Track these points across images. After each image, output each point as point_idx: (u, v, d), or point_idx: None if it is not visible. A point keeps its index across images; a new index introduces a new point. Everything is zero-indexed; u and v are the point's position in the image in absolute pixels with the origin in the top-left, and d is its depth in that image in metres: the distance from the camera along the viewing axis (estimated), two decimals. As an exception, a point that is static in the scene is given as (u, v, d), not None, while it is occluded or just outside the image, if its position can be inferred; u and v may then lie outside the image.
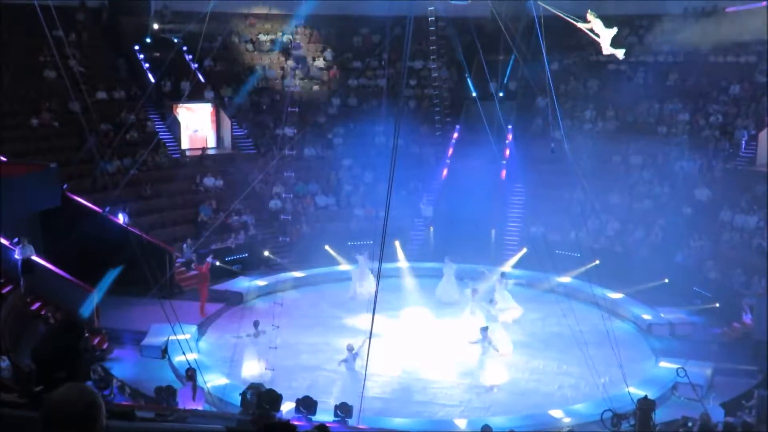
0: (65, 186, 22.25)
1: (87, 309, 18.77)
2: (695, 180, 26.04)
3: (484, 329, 17.40)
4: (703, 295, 21.71)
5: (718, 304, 20.84)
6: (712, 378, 17.02)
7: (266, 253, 25.52)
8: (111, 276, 19.24)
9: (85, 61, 27.95)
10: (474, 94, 28.05)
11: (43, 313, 18.08)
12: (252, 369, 17.00)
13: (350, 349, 16.67)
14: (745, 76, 28.68)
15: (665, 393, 16.34)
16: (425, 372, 17.50)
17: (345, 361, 16.66)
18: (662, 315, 20.77)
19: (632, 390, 14.47)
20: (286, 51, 33.41)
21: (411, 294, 22.80)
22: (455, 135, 31.16)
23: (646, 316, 20.79)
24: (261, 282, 23.30)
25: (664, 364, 17.73)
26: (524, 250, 25.24)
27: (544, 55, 15.82)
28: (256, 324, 17.34)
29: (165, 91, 30.04)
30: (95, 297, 19.08)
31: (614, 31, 13.55)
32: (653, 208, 25.93)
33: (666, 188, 26.38)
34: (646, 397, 13.26)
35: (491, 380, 17.10)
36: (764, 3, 26.86)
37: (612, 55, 14.22)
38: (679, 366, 15.44)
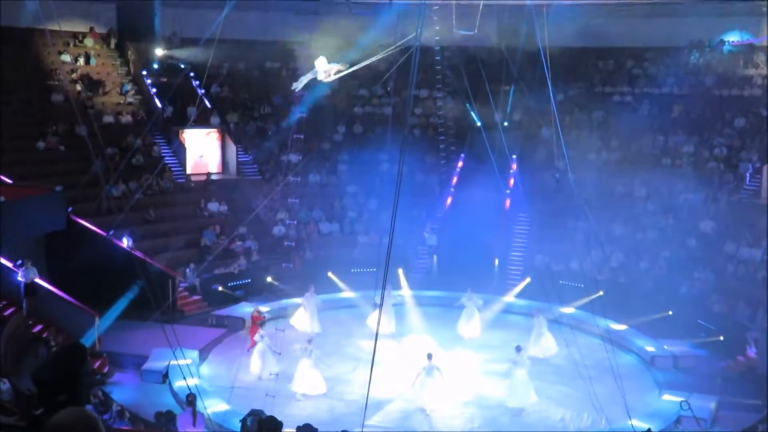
0: (70, 209, 22.31)
1: (92, 335, 18.77)
2: (700, 212, 26.02)
3: (519, 349, 17.51)
4: (708, 328, 21.58)
5: (722, 337, 20.72)
6: (716, 412, 16.88)
7: (269, 279, 25.49)
8: (122, 303, 19.32)
9: (92, 86, 28.15)
10: (479, 124, 28.18)
11: (44, 335, 18.06)
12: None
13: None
14: (749, 108, 28.78)
15: (668, 426, 16.20)
16: (426, 400, 17.36)
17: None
18: (666, 347, 20.65)
19: (635, 423, 14.37)
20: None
21: (414, 322, 22.73)
22: (460, 164, 31.24)
23: (650, 348, 20.67)
24: (263, 308, 23.22)
25: (667, 396, 17.61)
26: (528, 279, 25.21)
27: (549, 85, 15.90)
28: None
29: (171, 116, 30.21)
30: (101, 324, 19.11)
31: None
32: (657, 240, 25.89)
33: (670, 220, 26.35)
34: (649, 430, 13.18)
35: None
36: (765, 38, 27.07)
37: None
38: (683, 399, 15.35)
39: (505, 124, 29.70)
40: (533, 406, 17.43)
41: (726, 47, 30.65)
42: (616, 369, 15.43)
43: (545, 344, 20.19)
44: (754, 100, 28.82)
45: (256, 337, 19.09)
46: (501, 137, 22.71)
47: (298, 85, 16.58)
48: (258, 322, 20.42)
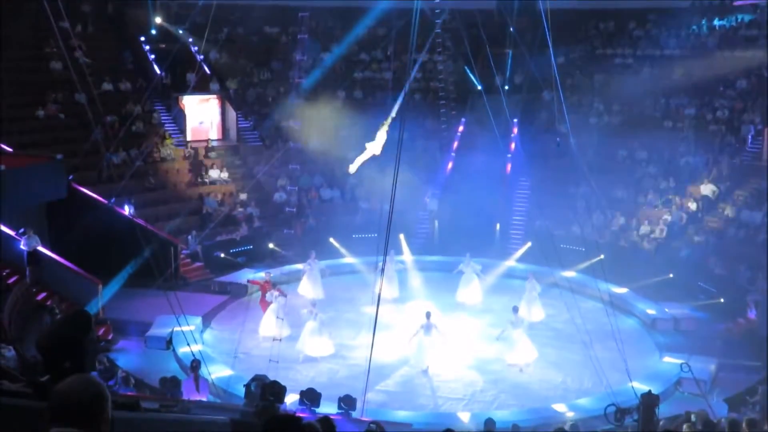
0: (71, 177, 22.27)
1: (95, 303, 18.88)
2: (701, 175, 25.98)
3: (516, 309, 17.88)
4: (708, 291, 21.66)
5: (722, 300, 20.82)
6: (716, 374, 17.02)
7: (271, 246, 25.56)
8: (125, 271, 19.39)
9: (91, 53, 27.96)
10: (479, 88, 28.00)
11: (48, 303, 18.15)
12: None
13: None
14: (752, 70, 28.56)
15: (669, 388, 16.35)
16: (429, 365, 17.49)
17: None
18: (667, 310, 20.76)
19: (636, 385, 14.46)
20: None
21: (416, 287, 22.83)
22: (460, 128, 31.11)
23: (651, 311, 20.78)
24: (265, 274, 23.29)
25: (668, 359, 17.75)
26: (529, 244, 25.24)
27: (550, 48, 15.78)
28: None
29: (171, 83, 30.04)
30: (105, 292, 19.20)
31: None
32: (658, 203, 25.87)
33: (672, 183, 26.31)
34: (649, 392, 13.26)
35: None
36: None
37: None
38: (683, 361, 15.43)
39: (506, 87, 29.51)
40: (534, 368, 17.59)
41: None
42: (617, 332, 15.51)
43: (533, 309, 20.31)
44: (757, 61, 28.57)
45: (268, 296, 19.16)
46: (502, 101, 22.55)
47: (354, 168, 18.71)
48: (267, 288, 20.49)
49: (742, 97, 28.22)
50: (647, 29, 32.02)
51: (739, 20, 30.54)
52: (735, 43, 29.55)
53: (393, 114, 16.26)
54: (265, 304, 19.53)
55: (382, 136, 16.55)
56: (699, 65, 28.97)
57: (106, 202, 22.43)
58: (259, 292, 20.36)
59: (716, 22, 30.91)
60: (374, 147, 16.80)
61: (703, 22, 30.94)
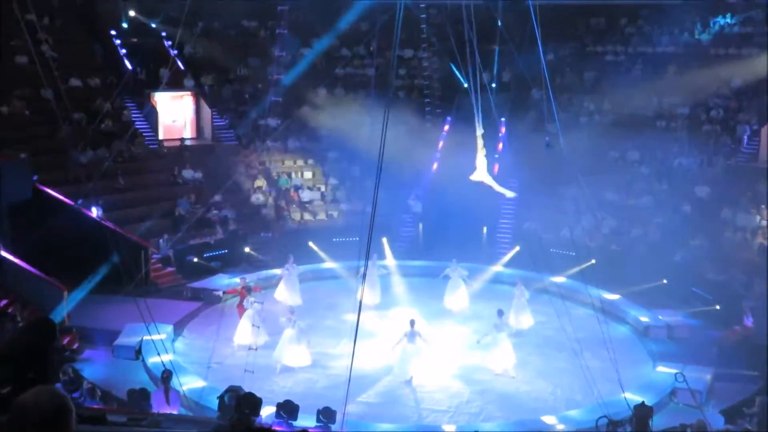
0: (36, 177, 22.07)
1: (60, 310, 18.68)
2: (695, 176, 26.16)
3: (501, 312, 17.97)
4: (703, 297, 21.77)
5: (718, 307, 20.90)
6: (711, 384, 17.06)
7: (247, 250, 25.45)
8: (92, 277, 19.20)
9: (59, 46, 27.76)
10: (465, 86, 28.04)
11: (9, 311, 17.95)
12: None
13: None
14: (747, 68, 28.78)
15: (663, 399, 16.36)
16: (413, 375, 17.46)
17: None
18: (660, 317, 20.84)
19: (628, 396, 14.49)
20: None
21: (399, 294, 22.81)
22: (446, 127, 31.15)
23: (644, 318, 20.85)
24: (240, 279, 23.16)
25: (661, 368, 17.78)
26: (517, 248, 25.32)
27: (539, 45, 15.82)
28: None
29: (142, 79, 29.88)
30: (72, 299, 19.01)
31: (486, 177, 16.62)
32: (651, 206, 26.02)
33: (665, 185, 26.47)
34: (643, 403, 13.32)
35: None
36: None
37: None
38: (678, 371, 15.51)
39: (494, 85, 29.57)
40: (522, 378, 17.61)
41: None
42: (608, 340, 15.55)
43: (521, 316, 20.36)
44: (753, 59, 28.81)
45: (246, 302, 19.08)
46: (490, 99, 22.59)
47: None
48: (244, 293, 20.42)
49: (738, 97, 28.46)
50: (639, 26, 32.22)
51: (734, 17, 30.79)
52: (730, 41, 29.77)
53: (480, 131, 16.23)
54: (242, 309, 19.44)
55: (481, 161, 16.57)
56: (693, 63, 29.20)
57: (72, 203, 22.23)
58: (238, 297, 20.23)
59: (711, 19, 31.14)
60: (480, 176, 16.81)
61: (697, 19, 31.16)
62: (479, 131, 16.18)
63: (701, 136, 27.55)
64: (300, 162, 30.64)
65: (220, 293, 22.07)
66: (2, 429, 2.99)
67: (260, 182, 28.45)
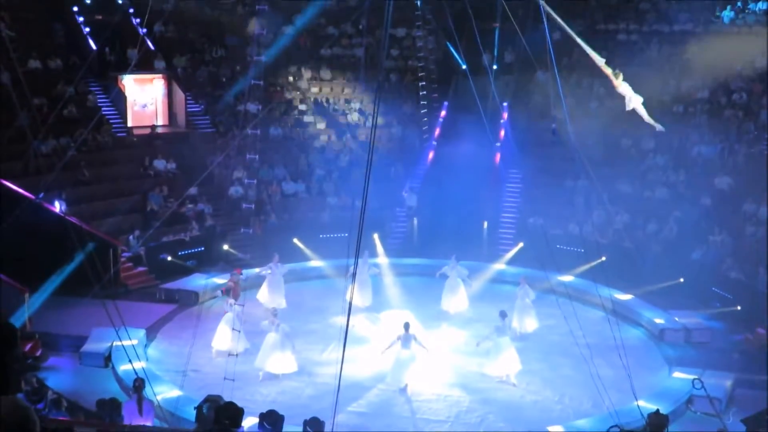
0: (-8, 169, 22.05)
1: (20, 312, 18.66)
2: (715, 166, 26.22)
3: (503, 314, 18.03)
4: (723, 297, 21.90)
5: (739, 308, 21.03)
6: (732, 390, 17.19)
7: (225, 247, 25.46)
8: (57, 279, 19.18)
9: (16, 25, 27.65)
10: (464, 67, 28.08)
11: (-34, 315, 17.94)
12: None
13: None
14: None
15: (679, 407, 16.47)
16: (408, 383, 17.51)
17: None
18: (677, 319, 20.94)
19: (642, 404, 14.58)
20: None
21: (392, 295, 22.86)
22: (443, 113, 31.18)
23: (659, 321, 20.96)
24: (219, 280, 23.21)
25: (678, 374, 17.87)
26: (521, 244, 25.38)
27: (545, 22, 15.87)
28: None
29: (108, 60, 29.79)
30: (33, 302, 18.98)
31: (639, 98, 16.11)
32: (668, 199, 26.10)
33: (682, 176, 26.54)
34: (657, 411, 13.34)
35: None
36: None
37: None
38: (695, 377, 15.55)
39: (495, 67, 29.64)
40: (526, 385, 17.70)
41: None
42: (620, 344, 15.60)
43: (526, 319, 20.44)
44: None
45: (226, 306, 19.14)
46: (490, 83, 22.65)
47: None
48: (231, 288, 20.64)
49: (762, 79, 28.51)
50: (655, 2, 32.26)
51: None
52: (754, 18, 29.81)
53: (600, 61, 16.01)
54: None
55: (626, 90, 16.34)
56: (713, 42, 29.23)
57: (33, 197, 22.16)
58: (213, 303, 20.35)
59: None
60: (635, 101, 16.52)
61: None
62: (600, 60, 15.81)
63: (722, 122, 27.60)
64: (282, 151, 30.60)
65: (219, 293, 22.19)
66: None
67: (239, 173, 28.40)
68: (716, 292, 22.25)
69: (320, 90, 33.05)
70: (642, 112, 16.39)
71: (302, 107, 32.13)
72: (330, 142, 31.22)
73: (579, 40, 15.07)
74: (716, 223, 24.23)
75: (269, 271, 22.23)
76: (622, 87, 16.14)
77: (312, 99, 32.52)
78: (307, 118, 31.63)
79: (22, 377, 13.93)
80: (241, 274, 21.79)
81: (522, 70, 31.16)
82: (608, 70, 15.97)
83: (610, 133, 27.87)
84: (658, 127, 17.39)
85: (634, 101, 16.23)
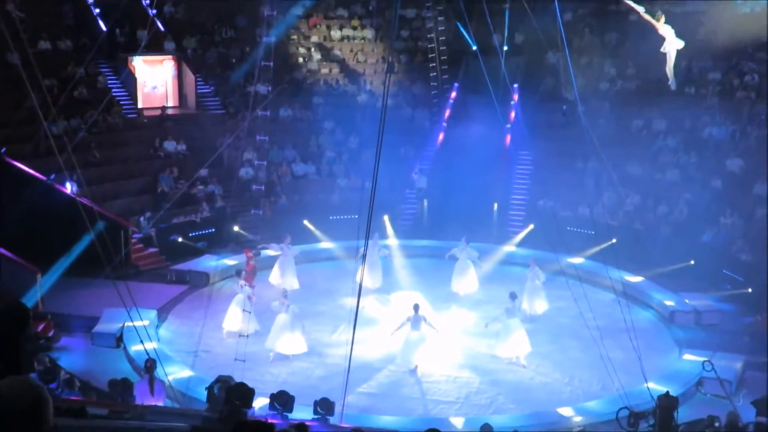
0: (3, 150, 22.07)
1: (33, 293, 18.74)
2: (727, 148, 26.08)
3: (513, 296, 18.06)
4: (734, 280, 21.83)
5: (750, 290, 20.96)
6: (742, 373, 17.18)
7: (236, 229, 25.49)
8: (68, 259, 19.23)
9: (26, 6, 27.61)
10: (474, 48, 27.95)
11: (-21, 296, 18.04)
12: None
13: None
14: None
15: (689, 389, 16.48)
16: (418, 364, 17.54)
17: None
18: (687, 301, 20.91)
19: (652, 386, 14.59)
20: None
21: (402, 276, 22.87)
22: (453, 95, 31.06)
23: (669, 303, 20.93)
24: (230, 261, 23.27)
25: (688, 356, 17.89)
26: (531, 226, 25.34)
27: (556, 3, 15.77)
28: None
29: (118, 41, 29.76)
30: (45, 282, 19.04)
31: (681, 43, 16.39)
32: (678, 181, 25.99)
33: (693, 158, 26.41)
34: (667, 393, 13.37)
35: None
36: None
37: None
38: (706, 359, 15.57)
39: (506, 48, 29.47)
40: (536, 367, 17.72)
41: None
42: (630, 326, 15.60)
43: (536, 301, 20.43)
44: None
45: (236, 287, 19.18)
46: (501, 64, 22.55)
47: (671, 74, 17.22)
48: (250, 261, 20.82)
49: (775, 60, 28.30)
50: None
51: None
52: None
53: (640, 8, 16.02)
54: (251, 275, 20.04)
55: (668, 32, 16.33)
56: (726, 23, 28.99)
57: (44, 178, 22.23)
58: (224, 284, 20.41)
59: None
60: (674, 45, 16.52)
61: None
62: (640, 8, 16.05)
63: (734, 104, 27.42)
64: (292, 132, 30.58)
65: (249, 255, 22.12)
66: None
67: (249, 155, 28.39)
68: (727, 274, 22.19)
69: (330, 71, 32.95)
70: (671, 58, 16.59)
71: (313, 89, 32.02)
72: (339, 123, 31.12)
73: None
74: (727, 206, 24.13)
75: (280, 252, 22.28)
76: (664, 29, 16.20)
77: (321, 81, 32.43)
78: (316, 100, 31.54)
79: (34, 357, 14.06)
80: (258, 253, 21.80)
81: (533, 51, 30.96)
82: (648, 17, 16.16)
83: (621, 114, 27.75)
84: (672, 81, 17.53)
85: (675, 45, 16.34)
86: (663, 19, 16.26)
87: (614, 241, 21.71)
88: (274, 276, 22.08)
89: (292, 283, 21.77)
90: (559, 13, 16.16)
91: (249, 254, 21.51)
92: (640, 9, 16.08)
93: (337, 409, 13.40)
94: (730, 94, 27.96)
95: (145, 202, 25.66)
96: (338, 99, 31.16)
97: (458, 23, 29.75)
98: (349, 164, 29.37)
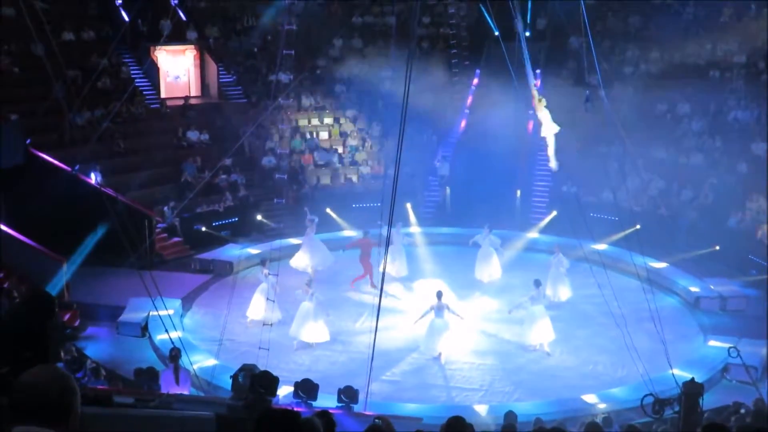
0: (29, 141, 22.23)
1: (58, 282, 18.90)
2: (752, 132, 25.85)
3: (538, 283, 18.04)
4: (759, 265, 21.67)
5: (776, 275, 20.83)
6: (768, 359, 17.08)
7: (259, 217, 25.57)
8: (89, 244, 19.36)
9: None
10: (496, 34, 27.82)
11: (5, 285, 18.19)
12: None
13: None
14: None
15: (715, 376, 16.44)
16: (441, 351, 17.56)
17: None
18: (712, 287, 20.79)
19: (677, 372, 14.50)
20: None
21: (425, 264, 22.87)
22: (475, 81, 30.94)
23: (694, 289, 20.82)
24: (253, 250, 23.35)
25: (713, 342, 17.81)
26: (554, 212, 25.24)
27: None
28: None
29: (141, 31, 29.87)
30: (68, 269, 19.19)
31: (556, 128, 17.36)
32: (703, 165, 25.81)
33: (718, 142, 26.20)
34: (692, 380, 13.26)
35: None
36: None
37: None
38: (731, 345, 15.45)
39: (528, 33, 29.29)
40: (559, 354, 17.70)
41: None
42: (655, 313, 15.53)
43: (560, 288, 20.38)
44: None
45: (260, 275, 19.26)
46: (523, 49, 22.44)
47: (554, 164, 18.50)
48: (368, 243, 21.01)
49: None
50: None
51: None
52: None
53: (533, 81, 16.61)
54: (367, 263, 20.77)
55: (545, 116, 16.89)
56: (751, 4, 28.68)
57: (69, 168, 22.40)
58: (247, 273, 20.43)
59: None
60: (550, 130, 17.15)
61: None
62: (532, 82, 16.59)
63: (759, 87, 27.12)
64: (315, 121, 30.60)
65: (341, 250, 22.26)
66: (3, 411, 3.05)
67: (271, 144, 28.45)
68: (752, 259, 22.03)
69: (351, 58, 32.88)
70: (551, 144, 17.49)
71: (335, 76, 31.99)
72: (362, 111, 31.05)
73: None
74: (752, 190, 23.92)
75: (305, 236, 22.25)
76: (543, 113, 17.19)
77: (343, 68, 32.39)
78: (339, 88, 31.51)
79: (61, 347, 14.21)
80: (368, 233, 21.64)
81: (555, 36, 30.79)
82: (535, 99, 17.30)
83: (645, 98, 27.53)
84: (554, 165, 18.60)
85: (551, 129, 17.30)
86: (544, 103, 17.13)
87: (638, 226, 21.58)
88: (299, 259, 22.03)
89: (325, 259, 21.96)
90: (581, -3, 16.09)
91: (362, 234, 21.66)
92: (535, 93, 17.11)
93: (361, 396, 13.43)
94: (755, 77, 27.68)
95: (169, 191, 25.78)
96: (360, 86, 31.08)
97: (482, 7, 29.61)
98: (371, 152, 29.36)
